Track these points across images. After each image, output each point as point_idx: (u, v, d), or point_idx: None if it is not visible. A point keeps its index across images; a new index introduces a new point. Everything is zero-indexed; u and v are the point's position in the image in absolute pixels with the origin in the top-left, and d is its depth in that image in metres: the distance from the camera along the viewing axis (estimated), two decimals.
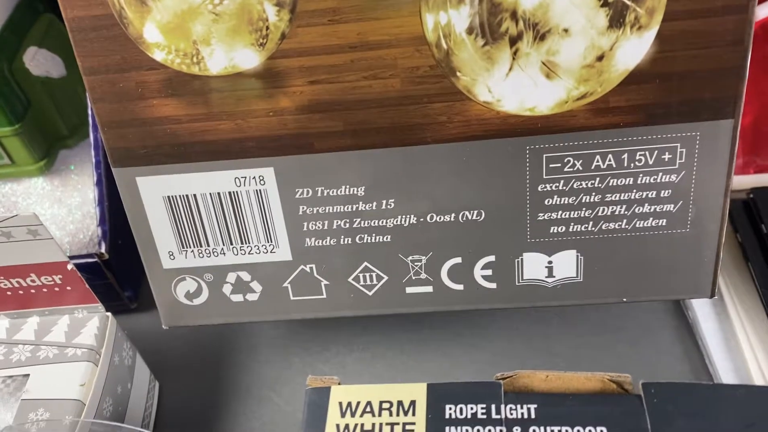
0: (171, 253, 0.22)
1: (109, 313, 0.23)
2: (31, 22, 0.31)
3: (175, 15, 0.17)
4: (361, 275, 0.22)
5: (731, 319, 0.25)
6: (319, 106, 0.19)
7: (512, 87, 0.18)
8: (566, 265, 0.21)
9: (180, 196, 0.21)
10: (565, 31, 0.16)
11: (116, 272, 0.27)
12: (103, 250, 0.27)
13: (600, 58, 0.18)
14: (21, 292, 0.23)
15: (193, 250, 0.22)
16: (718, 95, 0.18)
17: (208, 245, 0.22)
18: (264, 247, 0.22)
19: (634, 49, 0.18)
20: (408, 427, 0.16)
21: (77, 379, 0.21)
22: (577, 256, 0.21)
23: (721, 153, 0.19)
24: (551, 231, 0.21)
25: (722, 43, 0.18)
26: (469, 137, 0.20)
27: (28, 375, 0.22)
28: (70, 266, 0.22)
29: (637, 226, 0.21)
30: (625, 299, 0.22)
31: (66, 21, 0.19)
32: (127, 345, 0.24)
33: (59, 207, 0.30)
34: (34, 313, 0.23)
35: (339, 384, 0.18)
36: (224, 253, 0.22)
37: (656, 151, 0.19)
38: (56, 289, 0.23)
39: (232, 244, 0.22)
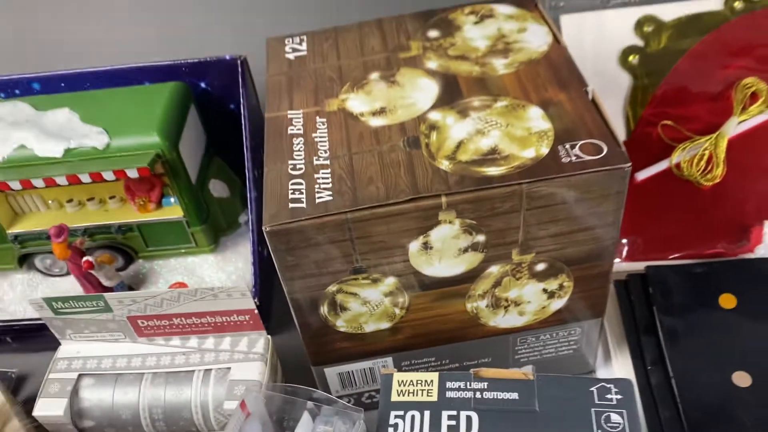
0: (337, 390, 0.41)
1: (269, 335, 0.42)
2: (209, 164, 0.51)
3: (359, 316, 0.36)
4: None
5: (613, 367, 0.44)
6: (415, 337, 0.38)
7: (505, 320, 0.39)
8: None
9: (344, 371, 0.40)
10: (528, 302, 0.37)
11: (261, 312, 0.45)
12: (257, 299, 0.46)
13: (544, 307, 0.38)
14: (226, 323, 0.41)
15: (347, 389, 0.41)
16: (595, 312, 0.40)
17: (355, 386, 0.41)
18: None
19: (557, 304, 0.38)
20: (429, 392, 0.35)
21: (257, 370, 0.40)
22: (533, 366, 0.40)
23: (595, 328, 0.40)
24: (520, 360, 0.41)
25: (597, 294, 0.38)
26: (480, 336, 0.39)
27: (230, 368, 0.40)
28: (255, 311, 0.41)
29: (559, 354, 0.41)
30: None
31: None
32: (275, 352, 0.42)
33: (220, 273, 0.49)
34: (228, 335, 0.42)
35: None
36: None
37: (568, 331, 0.40)
38: (245, 322, 0.41)
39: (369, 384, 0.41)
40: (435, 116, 0.35)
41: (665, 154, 0.49)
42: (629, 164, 0.31)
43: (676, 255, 0.48)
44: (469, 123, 0.35)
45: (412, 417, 0.34)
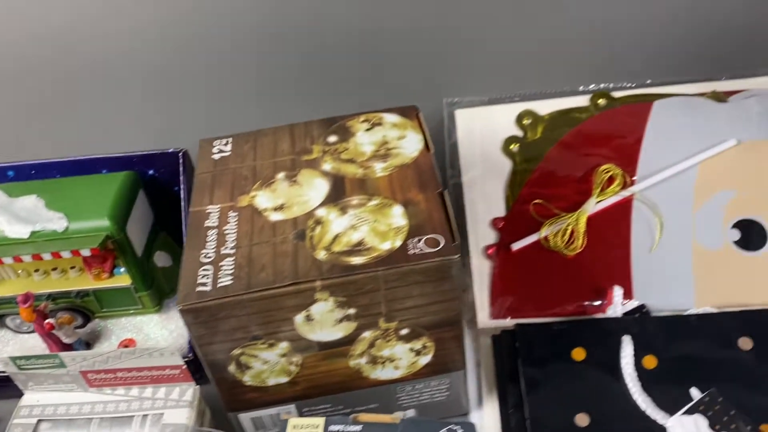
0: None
1: (198, 385, 0.50)
2: (155, 238, 0.60)
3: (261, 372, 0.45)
4: None
5: (484, 410, 0.53)
6: (311, 388, 0.47)
7: (384, 373, 0.47)
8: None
9: (256, 417, 0.48)
10: (400, 359, 0.46)
11: (196, 363, 0.54)
12: (191, 355, 0.54)
13: (414, 362, 0.46)
14: (161, 376, 0.50)
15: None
16: (457, 365, 0.48)
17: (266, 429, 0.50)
18: None
19: (424, 359, 0.46)
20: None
21: (185, 415, 0.48)
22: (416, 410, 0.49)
23: (461, 378, 0.49)
24: (403, 405, 0.49)
25: (454, 352, 0.47)
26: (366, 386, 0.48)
27: (163, 413, 0.49)
28: (184, 366, 0.49)
29: (435, 399, 0.49)
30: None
31: None
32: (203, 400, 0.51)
33: (164, 330, 0.57)
34: (163, 385, 0.50)
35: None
36: None
37: (438, 381, 0.48)
38: (177, 375, 0.49)
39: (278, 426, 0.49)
40: (321, 212, 0.45)
41: (537, 228, 0.59)
42: (458, 255, 0.40)
43: (544, 313, 0.57)
44: (346, 219, 0.44)
45: None
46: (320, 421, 0.45)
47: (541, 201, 0.60)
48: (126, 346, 0.59)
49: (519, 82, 0.64)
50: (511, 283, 0.58)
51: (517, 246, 0.59)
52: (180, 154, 0.58)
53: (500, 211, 0.61)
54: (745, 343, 0.52)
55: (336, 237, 0.43)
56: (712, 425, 0.48)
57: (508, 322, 0.57)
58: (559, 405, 0.51)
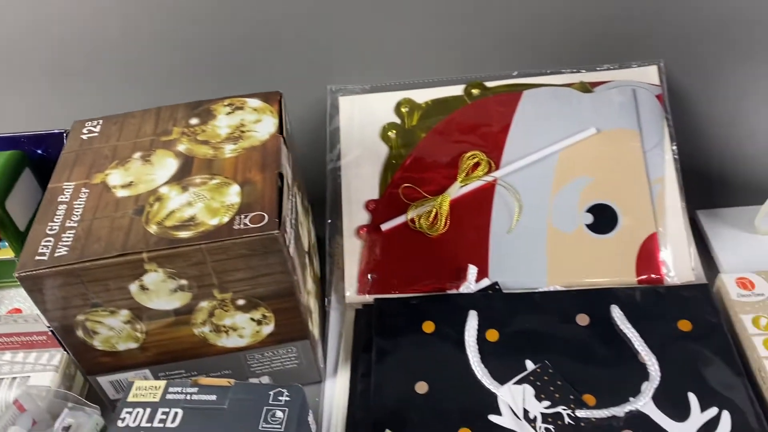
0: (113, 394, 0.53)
1: (64, 352, 0.53)
2: None
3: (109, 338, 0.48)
4: None
5: (337, 378, 0.56)
6: (162, 354, 0.50)
7: (230, 342, 0.50)
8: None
9: (114, 380, 0.51)
10: (243, 328, 0.49)
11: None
12: None
13: (258, 331, 0.49)
14: (27, 341, 0.53)
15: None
16: (302, 335, 0.51)
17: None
18: None
19: (267, 329, 0.50)
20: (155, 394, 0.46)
21: (50, 378, 0.51)
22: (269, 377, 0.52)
23: (308, 347, 0.52)
24: (256, 372, 0.52)
25: (296, 322, 0.50)
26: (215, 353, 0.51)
27: (29, 376, 0.52)
28: (49, 332, 0.52)
29: (287, 367, 0.52)
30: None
31: None
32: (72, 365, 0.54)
33: None
34: (35, 350, 0.53)
35: None
36: None
37: (286, 349, 0.52)
38: (45, 341, 0.53)
39: None
40: (164, 190, 0.48)
41: (406, 211, 0.62)
42: (277, 231, 0.44)
43: (406, 290, 0.60)
44: (185, 196, 0.47)
45: (137, 412, 0.46)
46: (162, 383, 0.48)
47: (411, 185, 0.63)
48: None
49: (400, 72, 0.66)
50: (378, 262, 0.61)
51: (385, 227, 0.62)
52: (64, 133, 0.61)
53: (374, 194, 0.64)
54: (583, 320, 0.56)
55: (171, 213, 0.46)
56: (537, 394, 0.52)
57: (372, 298, 0.61)
58: (402, 373, 0.54)
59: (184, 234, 0.45)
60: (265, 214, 0.45)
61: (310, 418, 0.48)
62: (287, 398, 0.47)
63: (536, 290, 0.58)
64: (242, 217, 0.45)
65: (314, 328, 0.54)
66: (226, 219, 0.45)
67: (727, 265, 0.60)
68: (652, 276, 0.58)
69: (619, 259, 0.59)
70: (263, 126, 0.53)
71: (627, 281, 0.58)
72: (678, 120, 0.65)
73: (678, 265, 0.59)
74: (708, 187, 0.68)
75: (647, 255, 0.59)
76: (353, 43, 0.66)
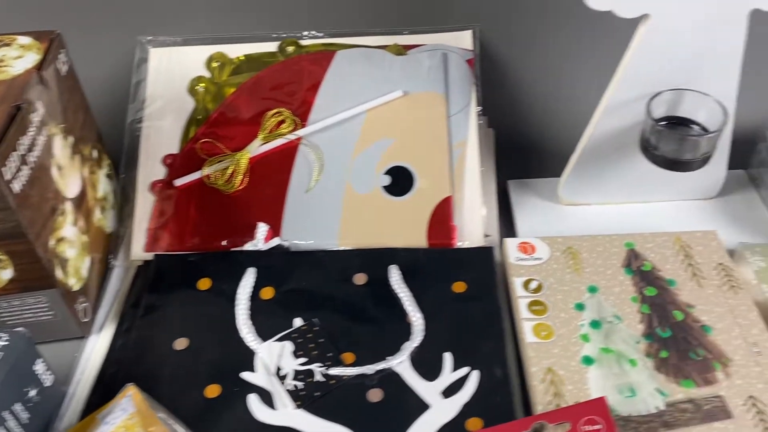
0: None
1: None
2: None
3: None
4: None
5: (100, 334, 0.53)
6: None
7: None
8: None
9: None
10: None
11: None
12: None
13: None
14: None
15: None
16: (47, 283, 0.48)
17: None
18: None
19: (6, 274, 0.46)
20: None
21: None
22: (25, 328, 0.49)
23: (59, 298, 0.49)
24: (8, 323, 0.49)
25: (36, 268, 0.47)
26: None
27: None
28: None
29: (42, 319, 0.50)
30: None
31: None
32: None
33: None
34: None
35: None
36: None
37: (35, 299, 0.49)
38: None
39: None
40: None
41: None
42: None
43: (194, 247, 0.58)
44: None
45: None
46: None
47: (210, 140, 0.61)
48: None
49: (217, 25, 0.64)
50: (169, 218, 0.59)
51: (179, 182, 0.60)
52: None
53: (175, 148, 0.61)
54: (360, 279, 0.54)
55: None
56: (296, 351, 0.50)
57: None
58: (164, 330, 0.52)
59: None
60: None
61: (39, 367, 0.46)
62: (5, 343, 0.44)
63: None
64: None
65: (70, 279, 0.51)
66: None
67: (524, 232, 0.60)
68: (445, 241, 0.57)
69: (412, 222, 0.57)
70: (22, 62, 0.50)
71: (418, 244, 0.57)
72: (495, 89, 0.64)
73: (472, 230, 0.58)
74: (526, 157, 0.67)
75: (440, 219, 0.57)
76: None
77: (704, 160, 0.51)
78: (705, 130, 0.51)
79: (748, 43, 0.58)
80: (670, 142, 0.50)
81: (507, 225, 0.61)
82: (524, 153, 0.66)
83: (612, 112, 0.53)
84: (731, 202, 0.61)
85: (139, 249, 0.58)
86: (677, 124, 0.53)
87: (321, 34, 0.64)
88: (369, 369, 0.48)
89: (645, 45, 0.48)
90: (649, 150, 0.51)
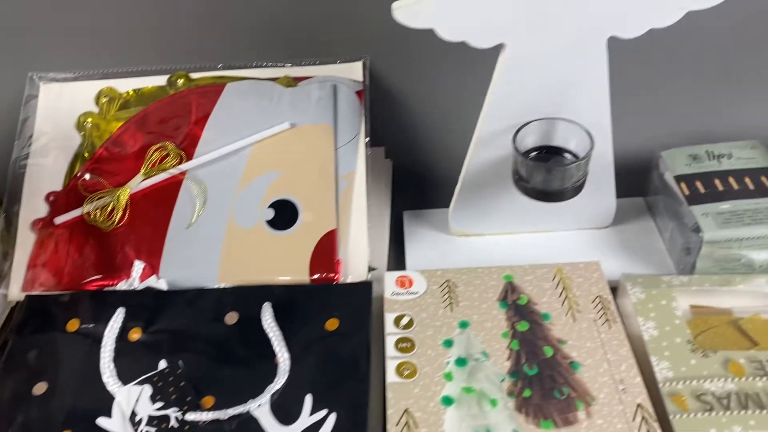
0: None
1: None
2: None
3: None
4: None
5: None
6: None
7: None
8: None
9: None
10: None
11: None
12: None
13: None
14: None
15: None
16: None
17: None
18: None
19: None
20: None
21: None
22: None
23: None
24: None
25: None
26: None
27: None
28: None
29: None
30: None
31: None
32: None
33: None
34: None
35: None
36: None
37: None
38: None
39: None
40: None
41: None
42: None
43: (69, 287, 0.56)
44: None
45: None
46: None
47: (93, 176, 0.60)
48: None
49: (108, 61, 0.63)
50: (47, 258, 0.57)
51: (60, 220, 0.58)
52: None
53: (59, 185, 0.60)
54: (232, 318, 0.52)
55: None
56: (154, 395, 0.48)
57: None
58: (24, 374, 0.50)
59: None
60: None
61: None
62: None
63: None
64: None
65: None
66: None
67: (413, 264, 0.58)
68: (328, 275, 0.56)
69: (294, 257, 0.56)
70: None
71: (300, 280, 0.55)
72: (392, 120, 0.63)
73: (357, 264, 0.56)
74: (423, 187, 0.66)
75: (324, 253, 0.56)
76: (58, 29, 0.63)
77: (576, 189, 0.49)
78: (577, 158, 0.50)
79: (638, 71, 0.58)
80: (538, 173, 0.48)
81: (401, 257, 0.60)
82: (421, 183, 0.65)
83: (485, 144, 0.52)
84: (626, 231, 0.60)
85: (16, 289, 0.56)
86: (552, 153, 0.52)
87: (211, 67, 0.64)
88: (224, 414, 0.46)
89: (506, 75, 0.47)
90: (520, 182, 0.50)
